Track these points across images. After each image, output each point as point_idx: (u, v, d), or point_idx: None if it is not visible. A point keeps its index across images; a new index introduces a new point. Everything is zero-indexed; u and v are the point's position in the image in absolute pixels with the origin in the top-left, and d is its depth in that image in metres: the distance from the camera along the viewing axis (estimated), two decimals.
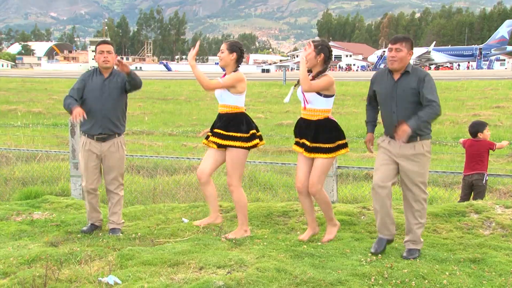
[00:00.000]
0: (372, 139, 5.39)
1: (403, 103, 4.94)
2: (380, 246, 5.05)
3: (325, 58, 5.26)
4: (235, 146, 5.47)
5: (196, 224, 5.97)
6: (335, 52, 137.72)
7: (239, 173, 5.57)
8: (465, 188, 7.44)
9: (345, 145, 5.35)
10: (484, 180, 7.27)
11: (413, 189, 5.00)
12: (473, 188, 7.34)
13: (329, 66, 5.39)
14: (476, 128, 7.39)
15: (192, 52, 5.47)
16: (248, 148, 5.54)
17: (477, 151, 7.29)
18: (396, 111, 4.98)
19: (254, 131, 5.56)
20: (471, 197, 7.37)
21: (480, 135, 7.32)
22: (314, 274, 4.33)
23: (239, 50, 5.55)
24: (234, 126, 5.48)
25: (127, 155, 10.53)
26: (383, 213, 5.06)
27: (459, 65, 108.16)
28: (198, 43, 5.79)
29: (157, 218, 6.44)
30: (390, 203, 5.07)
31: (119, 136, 5.84)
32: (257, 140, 5.57)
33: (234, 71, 5.54)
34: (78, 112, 5.39)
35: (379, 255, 4.95)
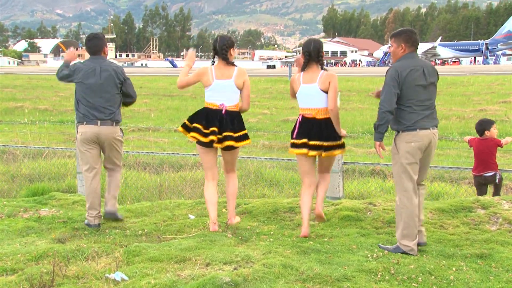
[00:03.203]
0: None
1: None
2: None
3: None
4: None
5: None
6: (340, 47, 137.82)
7: (204, 166, 5.84)
8: (479, 187, 7.42)
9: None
10: (497, 179, 7.26)
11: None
12: (487, 186, 7.36)
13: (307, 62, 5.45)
14: (484, 126, 7.34)
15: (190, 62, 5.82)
16: (202, 144, 5.63)
17: (487, 150, 7.25)
18: None
19: (214, 128, 5.53)
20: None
21: (487, 133, 7.29)
22: (320, 270, 4.33)
23: (213, 45, 5.68)
24: None
25: (133, 151, 10.60)
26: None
27: (460, 60, 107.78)
28: (192, 52, 6.01)
29: (163, 215, 6.45)
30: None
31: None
32: (212, 137, 5.54)
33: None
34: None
35: (385, 250, 4.94)
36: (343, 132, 5.45)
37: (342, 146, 5.49)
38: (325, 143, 5.34)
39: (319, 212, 5.68)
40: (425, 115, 4.92)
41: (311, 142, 5.33)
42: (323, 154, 5.37)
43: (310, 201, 5.56)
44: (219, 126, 5.53)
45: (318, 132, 5.33)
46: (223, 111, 5.54)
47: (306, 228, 5.47)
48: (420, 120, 4.92)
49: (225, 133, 5.54)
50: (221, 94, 5.55)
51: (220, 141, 5.57)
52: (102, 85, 5.87)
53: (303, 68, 5.44)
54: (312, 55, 5.38)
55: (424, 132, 4.93)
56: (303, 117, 5.42)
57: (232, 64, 5.62)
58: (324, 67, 5.43)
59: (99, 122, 5.86)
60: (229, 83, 5.54)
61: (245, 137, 5.66)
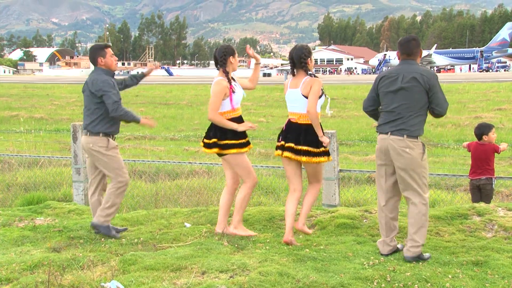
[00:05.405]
0: None
1: None
2: None
3: None
4: None
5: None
6: (336, 55, 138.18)
7: None
8: (474, 192, 7.41)
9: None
10: (493, 184, 7.27)
11: None
12: (480, 192, 7.34)
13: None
14: (482, 130, 7.36)
15: None
16: None
17: (484, 155, 7.26)
18: None
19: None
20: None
21: (485, 138, 7.30)
22: (316, 278, 4.33)
23: (213, 56, 5.73)
24: None
25: (129, 160, 10.60)
26: None
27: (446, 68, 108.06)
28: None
29: (159, 223, 6.44)
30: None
31: None
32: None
33: None
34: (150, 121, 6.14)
35: (382, 258, 4.94)
36: (325, 138, 5.34)
37: (323, 154, 5.36)
38: (302, 147, 5.30)
39: (299, 228, 5.51)
40: (388, 120, 5.02)
41: (286, 144, 5.38)
42: (303, 158, 5.31)
43: (293, 208, 5.51)
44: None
45: (296, 136, 5.35)
46: None
47: (287, 234, 5.47)
48: (382, 124, 5.08)
49: (212, 139, 5.64)
50: None
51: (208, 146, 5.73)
52: (84, 97, 5.93)
53: (292, 73, 5.50)
54: (295, 62, 5.43)
55: (381, 137, 5.07)
56: (289, 121, 5.49)
57: (225, 73, 5.64)
58: (310, 72, 5.42)
59: (82, 132, 5.98)
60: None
61: (227, 146, 5.60)
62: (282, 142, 5.43)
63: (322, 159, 5.35)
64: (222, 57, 5.64)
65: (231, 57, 5.66)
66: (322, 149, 5.34)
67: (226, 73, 5.64)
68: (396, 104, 4.95)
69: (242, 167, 5.67)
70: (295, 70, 5.45)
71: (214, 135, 5.60)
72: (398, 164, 4.96)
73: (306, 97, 5.31)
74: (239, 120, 5.66)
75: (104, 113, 5.82)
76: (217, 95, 5.54)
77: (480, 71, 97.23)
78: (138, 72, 6.62)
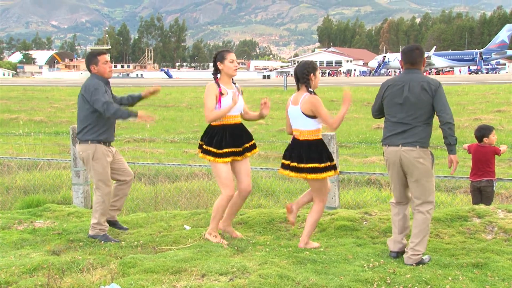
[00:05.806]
0: None
1: None
2: None
3: None
4: None
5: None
6: (336, 57, 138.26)
7: None
8: (475, 194, 7.41)
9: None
10: (493, 187, 7.27)
11: None
12: (481, 194, 7.34)
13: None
14: (482, 132, 7.36)
15: None
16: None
17: (484, 157, 7.26)
18: None
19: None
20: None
21: (485, 140, 7.31)
22: (316, 280, 4.32)
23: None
24: None
25: (128, 162, 10.59)
26: None
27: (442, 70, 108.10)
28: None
29: (159, 226, 6.43)
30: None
31: None
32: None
33: None
34: (148, 115, 5.74)
35: (382, 260, 4.94)
36: (344, 107, 5.32)
37: (329, 168, 5.32)
38: (306, 165, 5.28)
39: (303, 247, 5.44)
40: (396, 131, 4.96)
41: (291, 164, 5.37)
42: (308, 176, 5.29)
43: (305, 198, 5.61)
44: None
45: (298, 154, 5.33)
46: None
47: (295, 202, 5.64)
48: (390, 136, 5.01)
49: (201, 142, 5.80)
50: None
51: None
52: (77, 103, 5.93)
53: (297, 89, 5.51)
54: (298, 77, 5.44)
55: (392, 149, 4.99)
56: (293, 138, 5.49)
57: (214, 78, 5.69)
58: (310, 89, 5.38)
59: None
60: None
61: (206, 151, 5.64)
62: (288, 162, 5.41)
63: (329, 173, 5.33)
64: (213, 63, 5.71)
65: (218, 63, 5.65)
66: (328, 163, 5.31)
67: (215, 79, 5.67)
68: (404, 115, 4.92)
69: (217, 176, 5.64)
70: (299, 85, 5.46)
71: (203, 139, 5.67)
72: (412, 175, 4.94)
73: (306, 115, 5.30)
74: (234, 127, 5.61)
75: (94, 121, 5.79)
76: (206, 97, 5.57)
77: (469, 73, 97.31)
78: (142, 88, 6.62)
